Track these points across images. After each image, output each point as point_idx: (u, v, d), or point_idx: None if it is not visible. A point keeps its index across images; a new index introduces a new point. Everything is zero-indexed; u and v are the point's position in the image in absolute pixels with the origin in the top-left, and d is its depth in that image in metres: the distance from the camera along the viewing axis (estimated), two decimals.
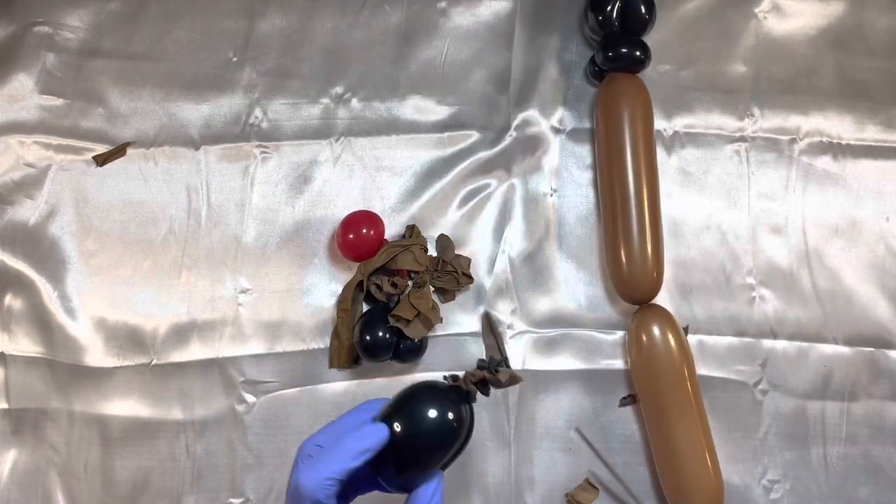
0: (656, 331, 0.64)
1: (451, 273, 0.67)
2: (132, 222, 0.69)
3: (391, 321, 0.64)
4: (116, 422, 0.67)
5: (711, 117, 0.72)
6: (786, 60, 0.73)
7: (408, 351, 0.65)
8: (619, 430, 0.68)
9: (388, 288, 0.66)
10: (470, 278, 0.68)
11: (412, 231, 0.69)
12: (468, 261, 0.68)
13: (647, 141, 0.67)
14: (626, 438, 0.68)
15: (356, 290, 0.67)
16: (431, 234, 0.70)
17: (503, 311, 0.69)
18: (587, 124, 0.72)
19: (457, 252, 0.69)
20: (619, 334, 0.69)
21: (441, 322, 0.67)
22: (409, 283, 0.67)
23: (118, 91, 0.71)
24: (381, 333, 0.64)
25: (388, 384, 0.68)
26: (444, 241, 0.69)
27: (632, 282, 0.65)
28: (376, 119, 0.71)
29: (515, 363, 0.68)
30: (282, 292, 0.69)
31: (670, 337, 0.64)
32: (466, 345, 0.68)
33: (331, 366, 0.67)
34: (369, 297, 0.68)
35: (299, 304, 0.68)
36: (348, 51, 0.72)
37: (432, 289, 0.68)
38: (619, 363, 0.68)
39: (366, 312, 0.67)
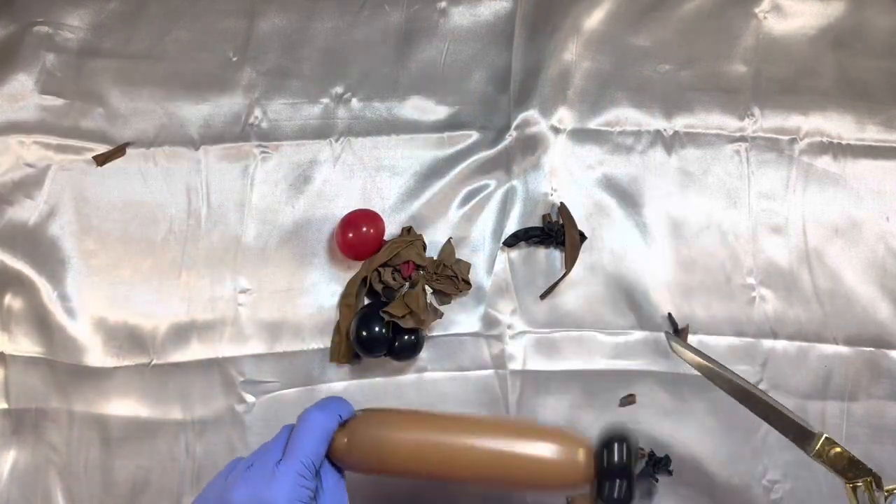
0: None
1: (450, 277, 0.67)
2: (132, 222, 0.69)
3: (385, 316, 0.64)
4: (116, 422, 0.67)
5: (711, 117, 0.72)
6: (786, 60, 0.73)
7: (403, 349, 0.65)
8: None
9: (388, 278, 0.66)
10: (468, 284, 0.68)
11: (409, 232, 0.69)
12: (468, 266, 0.68)
13: None
14: None
15: (360, 286, 0.67)
16: (431, 233, 0.70)
17: (503, 311, 0.69)
18: (587, 124, 0.72)
19: (457, 256, 0.69)
20: (620, 334, 0.69)
21: (441, 317, 0.67)
22: (410, 280, 0.67)
23: (118, 91, 0.71)
24: (376, 329, 0.64)
25: (387, 383, 0.68)
26: (447, 246, 0.69)
27: None
28: (376, 119, 0.71)
29: (515, 363, 0.68)
30: (282, 292, 0.69)
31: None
32: (465, 345, 0.68)
33: (331, 360, 0.68)
34: (372, 294, 0.68)
35: (299, 304, 0.68)
36: (348, 51, 0.72)
37: (430, 290, 0.68)
38: (619, 363, 0.68)
39: (363, 308, 0.67)
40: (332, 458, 0.52)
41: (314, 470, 0.49)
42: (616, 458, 0.47)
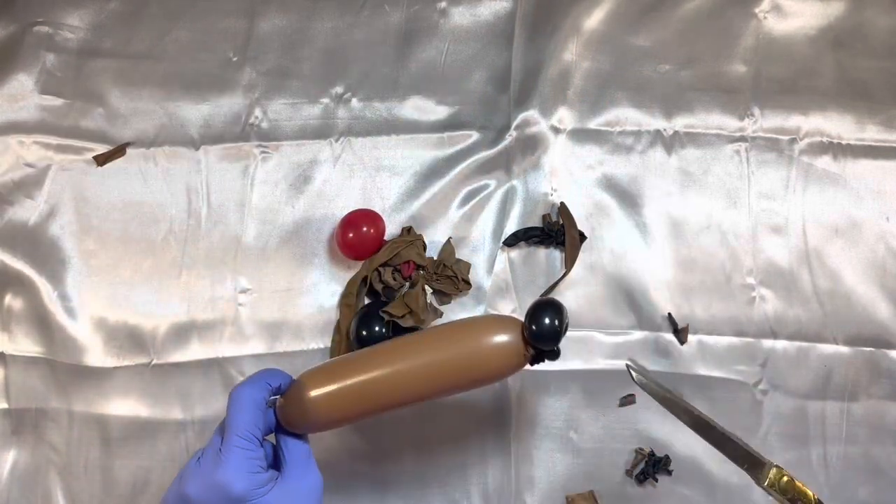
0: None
1: (449, 277, 0.68)
2: (132, 222, 0.69)
3: (385, 316, 0.64)
4: (116, 422, 0.67)
5: (711, 117, 0.72)
6: (786, 60, 0.73)
7: None
8: (619, 431, 0.68)
9: (388, 278, 0.66)
10: (468, 284, 0.68)
11: (409, 232, 0.69)
12: (468, 266, 0.69)
13: None
14: (626, 439, 0.68)
15: (360, 286, 0.67)
16: (431, 233, 0.70)
17: (503, 311, 0.69)
18: (587, 124, 0.72)
19: (457, 256, 0.69)
20: (620, 334, 0.69)
21: (441, 317, 0.67)
22: (410, 280, 0.67)
23: (118, 91, 0.71)
24: (376, 328, 0.64)
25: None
26: (447, 246, 0.69)
27: None
28: (376, 119, 0.71)
29: None
30: (282, 292, 0.69)
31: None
32: None
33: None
34: (372, 294, 0.68)
35: (299, 304, 0.68)
36: (348, 51, 0.72)
37: (430, 290, 0.68)
38: (619, 363, 0.68)
39: (363, 307, 0.67)
40: (288, 426, 0.51)
41: (256, 440, 0.48)
42: (544, 328, 0.52)
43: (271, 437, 0.52)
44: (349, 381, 0.51)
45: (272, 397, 0.51)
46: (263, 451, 0.49)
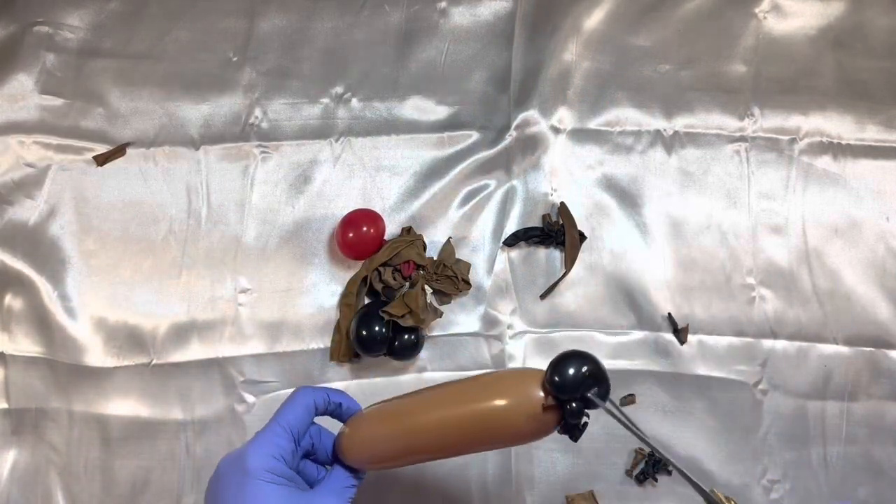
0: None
1: (449, 277, 0.68)
2: (132, 222, 0.69)
3: (384, 316, 0.64)
4: (116, 422, 0.67)
5: (711, 117, 0.72)
6: (786, 60, 0.73)
7: (403, 348, 0.65)
8: (619, 431, 0.67)
9: (388, 277, 0.66)
10: (468, 284, 0.68)
11: (409, 232, 0.69)
12: (468, 266, 0.69)
13: None
14: (626, 439, 0.68)
15: (360, 285, 0.67)
16: (431, 233, 0.70)
17: (503, 311, 0.69)
18: (587, 124, 0.72)
19: (457, 256, 0.69)
20: (620, 334, 0.69)
21: (441, 316, 0.67)
22: (410, 280, 0.67)
23: (118, 91, 0.71)
24: (376, 328, 0.64)
25: (387, 383, 0.68)
26: (447, 246, 0.69)
27: None
28: (376, 119, 0.71)
29: (515, 363, 0.68)
30: (282, 292, 0.69)
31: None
32: (465, 344, 0.68)
33: (331, 358, 0.68)
34: (372, 293, 0.68)
35: (299, 304, 0.68)
36: (348, 51, 0.72)
37: (430, 290, 0.68)
38: (619, 363, 0.68)
39: (363, 307, 0.67)
40: (337, 453, 0.53)
41: (290, 434, 0.50)
42: (565, 375, 0.44)
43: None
44: (380, 429, 0.51)
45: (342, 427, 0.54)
46: (294, 448, 0.50)
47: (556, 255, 0.70)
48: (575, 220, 0.69)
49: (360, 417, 0.54)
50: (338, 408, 0.54)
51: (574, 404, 0.44)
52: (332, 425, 0.55)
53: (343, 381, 0.68)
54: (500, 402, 0.47)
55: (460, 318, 0.69)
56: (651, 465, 0.66)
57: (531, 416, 0.46)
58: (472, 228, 0.70)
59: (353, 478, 0.52)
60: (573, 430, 0.46)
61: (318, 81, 0.72)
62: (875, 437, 0.68)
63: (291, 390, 0.67)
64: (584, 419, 0.45)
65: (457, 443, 0.49)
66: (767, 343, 0.69)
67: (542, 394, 0.46)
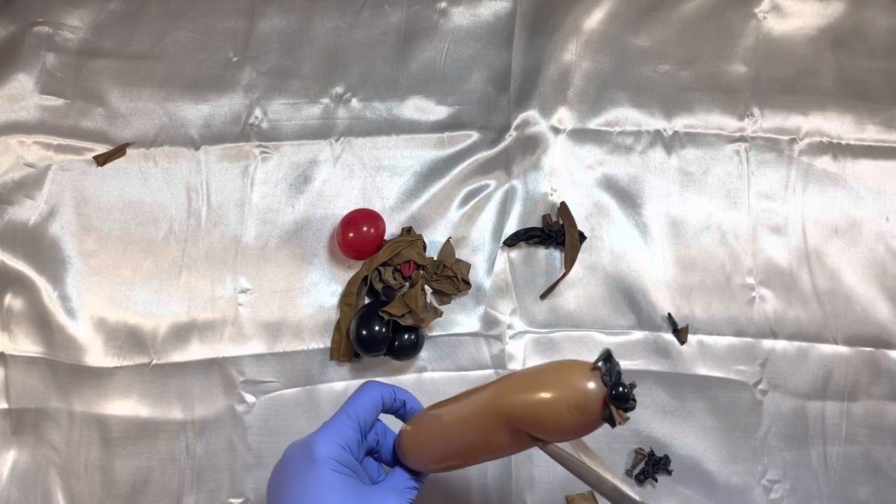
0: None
1: (449, 277, 0.68)
2: (132, 222, 0.69)
3: (384, 316, 0.65)
4: (116, 422, 0.67)
5: (711, 117, 0.72)
6: (786, 60, 0.73)
7: (403, 348, 0.65)
8: (619, 431, 0.68)
9: (389, 277, 0.66)
10: (468, 285, 0.68)
11: (409, 232, 0.69)
12: (468, 266, 0.69)
13: None
14: (626, 439, 0.68)
15: (360, 285, 0.67)
16: (431, 233, 0.70)
17: (503, 311, 0.69)
18: (587, 124, 0.72)
19: (457, 256, 0.69)
20: (620, 334, 0.69)
21: (441, 316, 0.67)
22: (410, 279, 0.67)
23: (118, 91, 0.71)
24: (376, 328, 0.64)
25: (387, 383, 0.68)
26: (447, 246, 0.69)
27: None
28: (376, 119, 0.71)
29: (515, 363, 0.68)
30: (282, 292, 0.69)
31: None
32: (465, 344, 0.68)
33: (331, 358, 0.68)
34: (372, 293, 0.68)
35: (299, 304, 0.69)
36: (348, 51, 0.72)
37: (430, 290, 0.68)
38: (619, 363, 0.68)
39: (363, 307, 0.67)
40: (400, 456, 0.53)
41: (358, 425, 0.50)
42: (614, 361, 0.46)
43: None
44: (437, 429, 0.51)
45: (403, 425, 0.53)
46: (360, 438, 0.50)
47: (556, 255, 0.70)
48: (575, 220, 0.69)
49: (420, 416, 0.53)
50: (402, 406, 0.54)
51: (622, 388, 0.45)
52: (394, 425, 0.54)
53: (343, 381, 0.68)
54: (546, 395, 0.45)
55: (460, 318, 0.69)
56: (651, 465, 0.67)
57: (575, 406, 0.45)
58: (472, 228, 0.70)
59: (415, 480, 0.52)
60: (625, 401, 0.45)
61: (318, 81, 0.72)
62: (875, 437, 0.68)
63: (292, 390, 0.67)
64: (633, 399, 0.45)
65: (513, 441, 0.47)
66: (767, 343, 0.69)
67: (590, 384, 0.45)
